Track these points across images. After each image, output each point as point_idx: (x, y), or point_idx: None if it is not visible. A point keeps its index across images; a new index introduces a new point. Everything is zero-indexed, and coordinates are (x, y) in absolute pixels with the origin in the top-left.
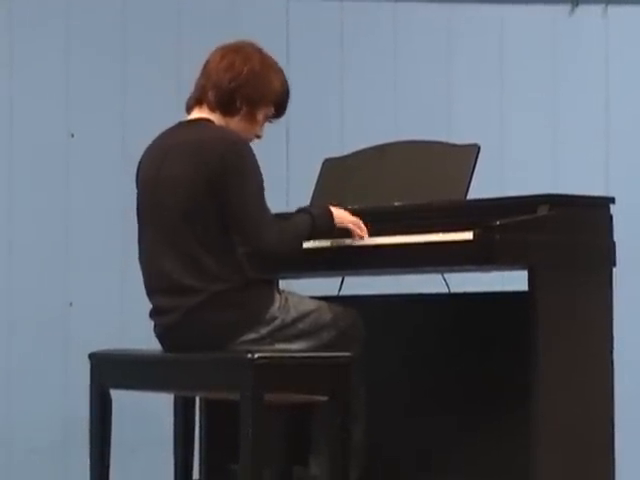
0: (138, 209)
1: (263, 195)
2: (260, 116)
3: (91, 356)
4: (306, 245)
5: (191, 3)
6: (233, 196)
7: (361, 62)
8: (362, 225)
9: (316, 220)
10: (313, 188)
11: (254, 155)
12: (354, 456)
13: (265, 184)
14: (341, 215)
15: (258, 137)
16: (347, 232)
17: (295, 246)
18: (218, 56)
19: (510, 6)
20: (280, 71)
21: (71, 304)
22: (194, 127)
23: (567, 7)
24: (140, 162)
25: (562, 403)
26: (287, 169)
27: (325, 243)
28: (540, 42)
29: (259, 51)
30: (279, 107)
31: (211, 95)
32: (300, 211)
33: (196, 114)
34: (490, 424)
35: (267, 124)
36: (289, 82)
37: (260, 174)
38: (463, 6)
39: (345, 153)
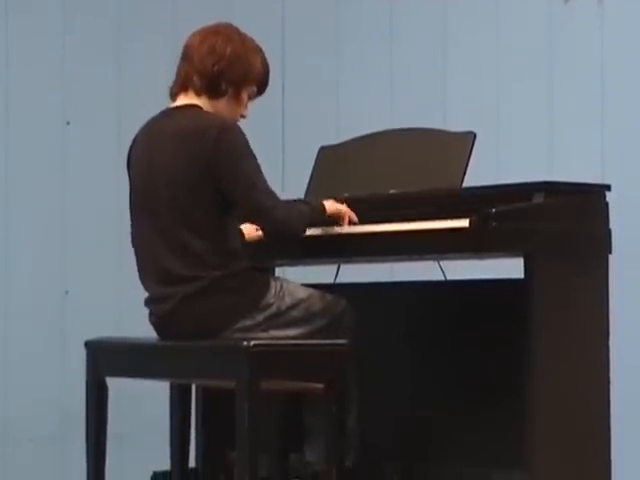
0: (130, 196)
1: (262, 173)
2: (244, 96)
3: (87, 344)
4: None
5: None
6: (233, 180)
7: (357, 51)
8: (353, 215)
9: (312, 204)
10: (309, 176)
11: (245, 136)
12: (347, 443)
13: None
14: (331, 203)
15: (243, 117)
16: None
17: (301, 223)
18: (197, 40)
19: None
20: (260, 50)
21: (67, 292)
22: (184, 114)
23: None
24: (130, 149)
25: (558, 390)
26: (283, 157)
27: (321, 230)
28: (535, 30)
29: (237, 32)
30: (261, 86)
31: (196, 80)
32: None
33: (182, 100)
34: (486, 412)
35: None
36: (285, 71)
37: (254, 154)
38: None
39: (341, 141)
